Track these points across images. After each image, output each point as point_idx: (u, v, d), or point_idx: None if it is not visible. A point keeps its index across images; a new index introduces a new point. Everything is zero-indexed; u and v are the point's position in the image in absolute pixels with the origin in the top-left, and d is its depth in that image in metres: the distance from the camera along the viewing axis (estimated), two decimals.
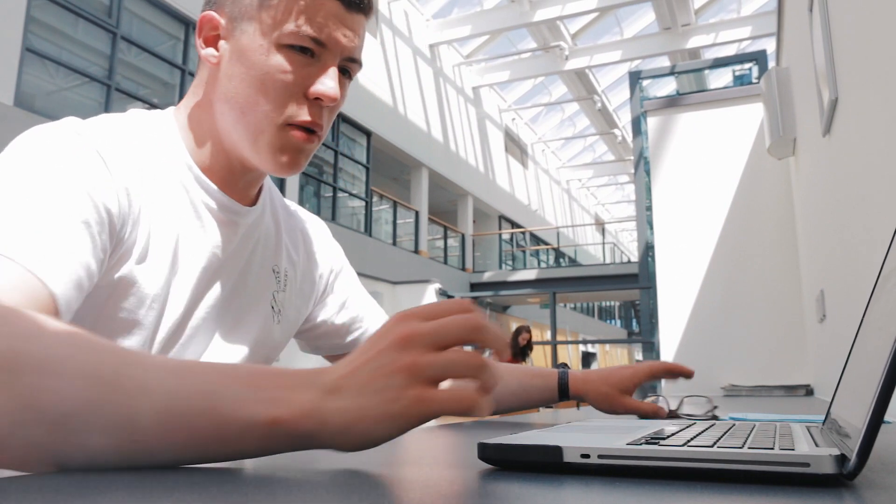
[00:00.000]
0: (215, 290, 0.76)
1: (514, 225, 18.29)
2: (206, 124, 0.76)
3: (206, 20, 0.74)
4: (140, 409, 0.40)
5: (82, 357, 0.42)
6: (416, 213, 13.87)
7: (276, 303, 0.85)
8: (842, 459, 0.36)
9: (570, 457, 0.41)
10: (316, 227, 0.96)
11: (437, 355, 0.42)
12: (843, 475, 0.35)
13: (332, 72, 0.72)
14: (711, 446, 0.40)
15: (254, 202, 0.82)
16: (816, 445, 0.44)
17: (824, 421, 0.62)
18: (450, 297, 11.04)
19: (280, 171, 0.74)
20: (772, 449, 0.39)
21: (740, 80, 6.03)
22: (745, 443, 0.44)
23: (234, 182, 0.78)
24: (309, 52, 0.71)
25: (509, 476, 0.41)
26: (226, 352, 0.78)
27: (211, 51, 0.74)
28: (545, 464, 0.41)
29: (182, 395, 0.41)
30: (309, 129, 0.73)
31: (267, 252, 0.85)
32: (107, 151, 0.66)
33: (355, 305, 0.98)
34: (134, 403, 0.40)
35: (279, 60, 0.70)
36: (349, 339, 0.97)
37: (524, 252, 18.92)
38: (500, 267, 17.19)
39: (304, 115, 0.72)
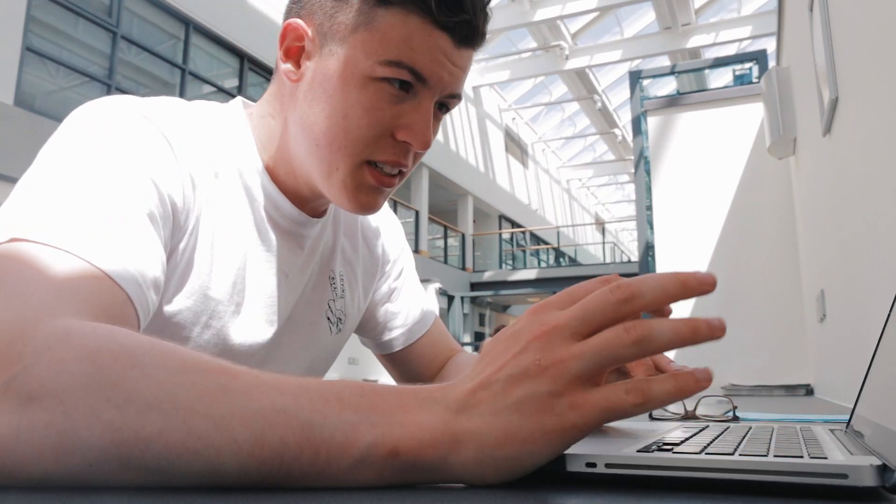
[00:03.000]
0: (279, 313, 0.71)
1: (514, 224, 18.29)
2: (278, 140, 0.68)
3: (291, 29, 0.64)
4: (225, 460, 0.34)
5: (184, 388, 0.35)
6: (416, 213, 13.87)
7: (332, 312, 0.79)
8: (883, 470, 0.32)
9: (575, 466, 0.36)
10: (375, 215, 0.88)
11: (584, 344, 0.34)
12: (886, 488, 0.31)
13: (427, 113, 0.62)
14: (732, 454, 0.36)
15: (322, 213, 0.75)
16: (851, 453, 0.40)
17: (848, 422, 0.59)
18: (450, 297, 11.03)
19: (355, 210, 0.66)
20: (801, 457, 0.35)
21: (740, 80, 6.01)
22: (768, 449, 0.39)
23: (304, 201, 0.71)
24: (406, 87, 0.61)
25: (506, 487, 0.35)
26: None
27: (290, 67, 0.65)
28: (546, 473, 0.36)
29: (270, 434, 0.33)
30: (389, 171, 0.64)
31: (324, 259, 0.78)
32: (174, 136, 0.60)
33: (401, 300, 0.90)
34: (222, 457, 0.34)
35: (369, 94, 0.61)
36: (386, 337, 0.90)
37: (524, 252, 18.91)
38: (501, 266, 17.18)
39: (386, 155, 0.63)
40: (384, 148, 0.63)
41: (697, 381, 0.34)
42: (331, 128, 0.62)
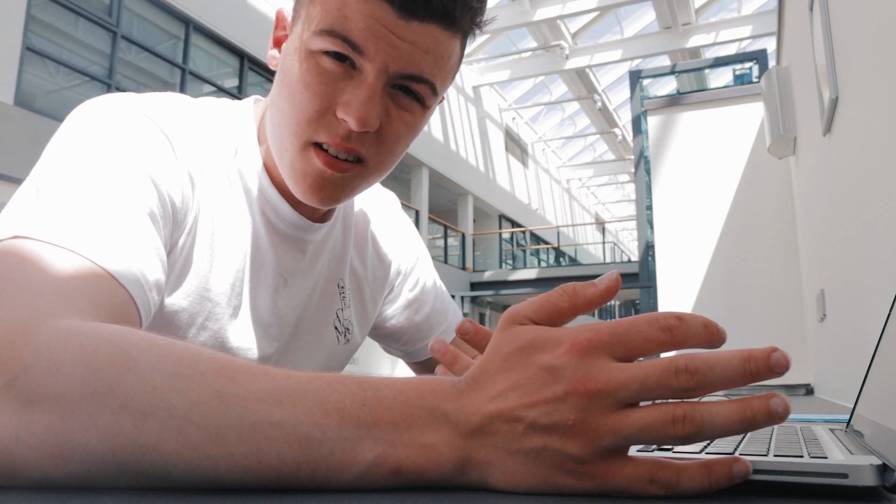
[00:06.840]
0: (281, 319, 0.71)
1: (514, 224, 18.29)
2: None
3: (280, 17, 0.66)
4: (221, 472, 0.33)
5: (179, 395, 0.34)
6: (417, 213, 13.86)
7: (340, 322, 0.78)
8: (883, 469, 0.32)
9: None
10: (387, 223, 0.86)
11: (624, 420, 0.32)
12: (886, 488, 0.32)
13: (370, 90, 0.58)
14: (732, 453, 0.36)
15: (325, 217, 0.73)
16: (851, 453, 0.40)
17: (848, 422, 0.59)
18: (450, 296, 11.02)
19: (304, 197, 0.63)
20: (801, 457, 0.35)
21: (741, 80, 6.01)
22: (769, 449, 0.39)
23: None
24: (348, 62, 0.58)
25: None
26: None
27: (274, 52, 0.66)
28: None
29: (267, 449, 0.33)
30: (345, 157, 0.61)
31: (332, 266, 0.77)
32: (175, 134, 0.60)
33: (426, 309, 0.89)
34: (217, 466, 0.33)
35: (309, 69, 0.58)
36: (416, 346, 0.90)
37: (524, 251, 18.91)
38: (501, 266, 17.18)
39: (328, 135, 0.59)
40: (327, 127, 0.59)
41: (731, 478, 0.32)
42: (280, 105, 0.61)
